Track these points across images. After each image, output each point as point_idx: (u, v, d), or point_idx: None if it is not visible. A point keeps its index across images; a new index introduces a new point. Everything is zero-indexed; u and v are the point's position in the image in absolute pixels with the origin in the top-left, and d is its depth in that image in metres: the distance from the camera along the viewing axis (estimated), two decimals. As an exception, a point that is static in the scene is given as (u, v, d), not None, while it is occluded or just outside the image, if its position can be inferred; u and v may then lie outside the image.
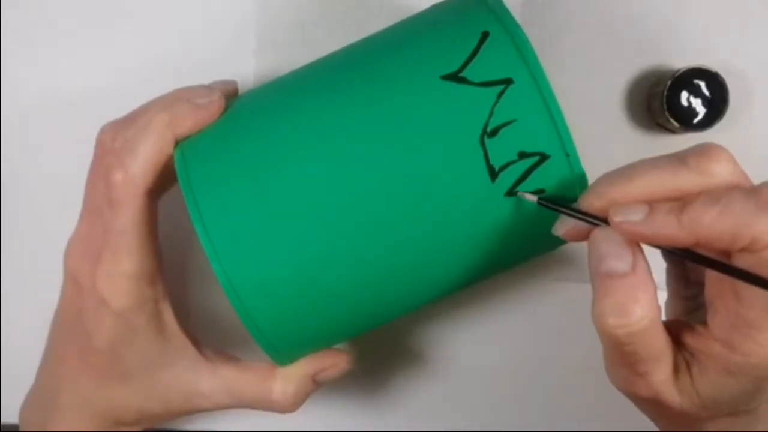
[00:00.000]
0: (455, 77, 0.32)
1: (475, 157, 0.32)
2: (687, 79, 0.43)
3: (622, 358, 0.31)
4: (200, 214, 0.33)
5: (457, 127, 0.32)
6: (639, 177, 0.31)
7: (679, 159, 0.31)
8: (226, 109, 0.36)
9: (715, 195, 0.29)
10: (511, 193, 0.32)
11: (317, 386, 0.38)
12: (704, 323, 0.32)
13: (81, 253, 0.37)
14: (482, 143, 0.32)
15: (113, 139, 0.36)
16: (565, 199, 0.32)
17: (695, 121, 0.44)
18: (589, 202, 0.31)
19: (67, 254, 0.37)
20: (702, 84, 0.43)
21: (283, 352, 0.36)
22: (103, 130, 0.37)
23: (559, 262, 0.47)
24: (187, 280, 0.46)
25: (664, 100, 0.43)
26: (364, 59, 0.35)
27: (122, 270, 0.36)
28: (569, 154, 0.32)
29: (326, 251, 0.32)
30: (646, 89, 0.46)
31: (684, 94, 0.43)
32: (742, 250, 0.29)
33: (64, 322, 0.39)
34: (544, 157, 0.32)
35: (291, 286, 0.33)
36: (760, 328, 0.30)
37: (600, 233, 0.31)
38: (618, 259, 0.30)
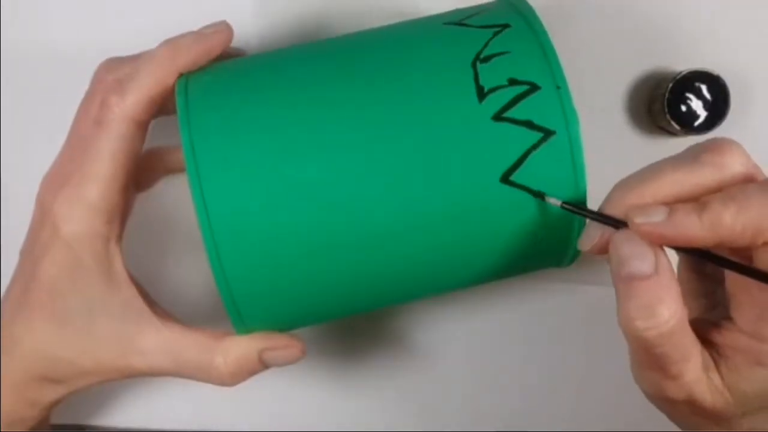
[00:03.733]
0: (458, 23, 0.34)
1: (465, 77, 0.33)
2: (688, 81, 0.43)
3: (652, 362, 0.31)
4: (191, 137, 0.32)
5: (451, 53, 0.33)
6: (656, 178, 0.31)
7: (693, 156, 0.31)
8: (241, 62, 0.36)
9: (731, 192, 0.29)
10: (498, 117, 0.32)
11: (263, 367, 0.36)
12: (727, 318, 0.32)
13: (52, 181, 0.36)
14: (474, 66, 0.33)
15: (108, 71, 0.36)
16: (583, 203, 0.33)
17: (696, 124, 0.44)
18: (608, 209, 0.31)
19: (41, 184, 0.36)
20: (703, 87, 0.43)
21: (244, 311, 0.34)
22: (101, 64, 0.36)
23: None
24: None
25: (666, 102, 0.43)
26: (382, 32, 0.37)
27: (83, 195, 0.35)
28: (560, 86, 0.32)
29: (311, 194, 0.32)
30: (648, 92, 0.46)
31: (685, 97, 0.43)
32: (765, 244, 0.29)
33: (21, 254, 0.37)
34: (534, 87, 0.32)
35: (268, 232, 0.32)
36: None
37: (620, 236, 0.30)
38: (640, 261, 0.29)
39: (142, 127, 0.36)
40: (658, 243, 0.30)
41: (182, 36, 0.36)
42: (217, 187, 0.32)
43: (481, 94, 0.32)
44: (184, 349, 0.36)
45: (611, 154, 0.45)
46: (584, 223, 0.33)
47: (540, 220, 0.33)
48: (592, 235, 0.32)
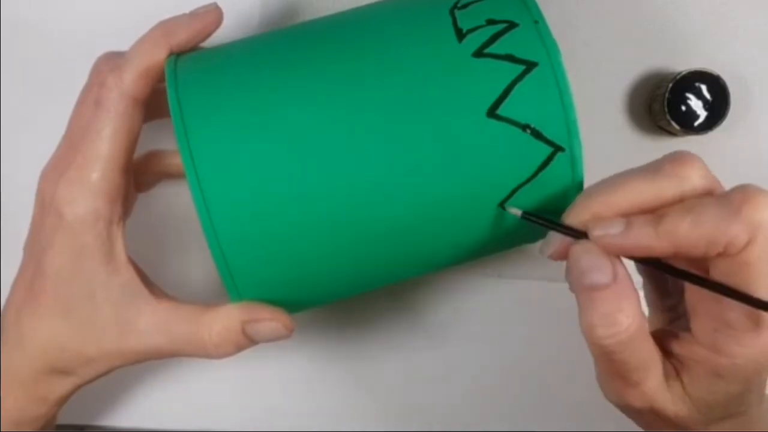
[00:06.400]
0: None
1: (444, 22, 0.34)
2: (688, 81, 0.43)
3: (613, 369, 0.32)
4: (182, 115, 0.33)
5: (429, 5, 0.35)
6: (618, 189, 0.32)
7: (655, 167, 0.32)
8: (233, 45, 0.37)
9: (687, 205, 0.31)
10: (479, 54, 0.33)
11: (248, 341, 0.36)
12: (688, 330, 0.33)
13: (52, 171, 0.36)
14: (452, 13, 0.34)
15: (106, 62, 0.36)
16: (554, 210, 0.33)
17: (696, 123, 0.44)
18: (572, 218, 0.32)
19: (40, 177, 0.37)
20: (703, 87, 0.43)
21: (235, 272, 0.33)
22: (99, 57, 0.37)
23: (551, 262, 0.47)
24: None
25: (666, 102, 0.43)
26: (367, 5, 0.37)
27: (84, 177, 0.35)
28: (538, 21, 0.33)
29: (297, 144, 0.32)
30: (648, 92, 0.46)
31: (685, 97, 0.43)
32: (719, 255, 0.30)
33: (25, 249, 0.38)
34: (512, 24, 0.33)
35: (257, 185, 0.32)
36: (742, 329, 0.31)
37: (579, 248, 0.31)
38: (599, 272, 0.31)
39: (140, 106, 0.36)
40: (616, 254, 0.31)
41: (174, 17, 0.37)
42: (204, 142, 0.32)
43: (460, 35, 0.33)
44: (175, 322, 0.36)
45: (611, 154, 0.45)
46: (581, 155, 0.33)
47: (533, 158, 0.33)
48: (552, 243, 0.33)
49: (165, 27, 0.36)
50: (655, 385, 0.32)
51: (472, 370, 0.47)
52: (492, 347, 0.47)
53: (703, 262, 0.31)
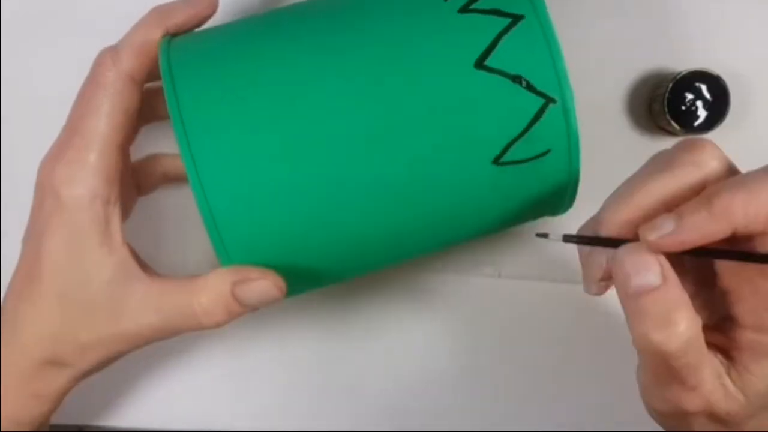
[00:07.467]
0: None
1: None
2: (688, 81, 0.43)
3: (671, 375, 0.30)
4: (174, 84, 0.33)
5: None
6: (640, 190, 0.31)
7: (668, 160, 0.31)
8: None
9: (736, 180, 0.29)
10: (465, 10, 0.33)
11: (239, 306, 0.35)
12: (725, 319, 0.32)
13: (51, 159, 0.36)
14: None
15: (106, 50, 0.37)
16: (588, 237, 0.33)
17: (696, 123, 0.44)
18: (605, 231, 0.31)
19: (39, 168, 0.37)
20: (703, 87, 0.43)
21: (225, 232, 0.33)
22: (101, 51, 0.37)
23: (551, 262, 0.47)
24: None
25: (666, 102, 0.43)
26: None
27: (83, 158, 0.35)
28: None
29: (288, 102, 0.32)
30: (648, 92, 0.46)
31: (685, 97, 0.43)
32: None
33: (24, 241, 0.38)
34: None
35: (246, 145, 0.32)
36: None
37: (622, 252, 0.30)
38: (647, 272, 0.29)
39: (137, 85, 0.37)
40: (678, 251, 0.30)
41: (170, 1, 0.38)
42: (195, 110, 0.32)
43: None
44: (166, 296, 0.36)
45: (611, 154, 0.45)
46: (574, 112, 0.33)
47: (525, 111, 0.33)
48: (599, 263, 0.32)
49: (160, 8, 0.37)
50: (711, 384, 0.31)
51: (472, 370, 0.47)
52: (492, 347, 0.47)
53: (762, 237, 0.29)
